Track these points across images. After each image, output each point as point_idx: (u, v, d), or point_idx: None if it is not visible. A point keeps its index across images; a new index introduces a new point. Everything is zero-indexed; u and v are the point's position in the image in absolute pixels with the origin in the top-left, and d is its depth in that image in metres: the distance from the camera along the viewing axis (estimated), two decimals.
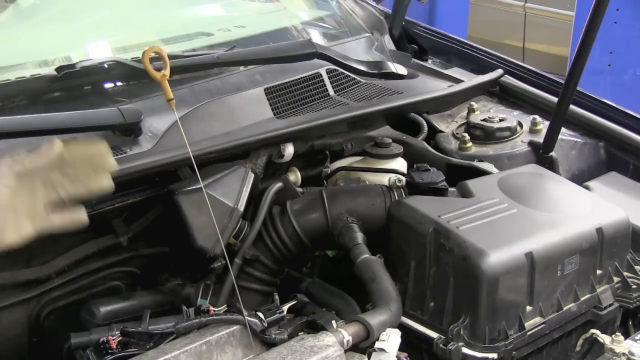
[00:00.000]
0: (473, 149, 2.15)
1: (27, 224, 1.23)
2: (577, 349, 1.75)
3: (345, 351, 1.40)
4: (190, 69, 1.92)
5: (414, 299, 1.65)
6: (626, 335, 1.70)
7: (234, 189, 1.69)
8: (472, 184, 1.81)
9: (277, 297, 1.68)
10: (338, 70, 2.12)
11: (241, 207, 1.68)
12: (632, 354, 1.60)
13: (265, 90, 1.94)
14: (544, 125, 2.18)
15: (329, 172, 1.98)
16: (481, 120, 2.21)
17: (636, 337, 1.66)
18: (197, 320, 1.42)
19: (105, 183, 1.30)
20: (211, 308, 1.48)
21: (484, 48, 2.56)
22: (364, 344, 1.44)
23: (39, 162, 1.24)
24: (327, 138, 2.00)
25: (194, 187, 1.62)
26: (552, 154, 2.10)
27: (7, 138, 1.52)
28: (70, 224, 1.28)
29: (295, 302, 1.59)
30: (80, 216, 1.28)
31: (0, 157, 1.23)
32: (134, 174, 1.56)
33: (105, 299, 1.63)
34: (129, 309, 1.62)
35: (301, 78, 2.02)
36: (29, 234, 1.23)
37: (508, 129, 2.19)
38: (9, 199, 1.20)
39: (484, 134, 2.18)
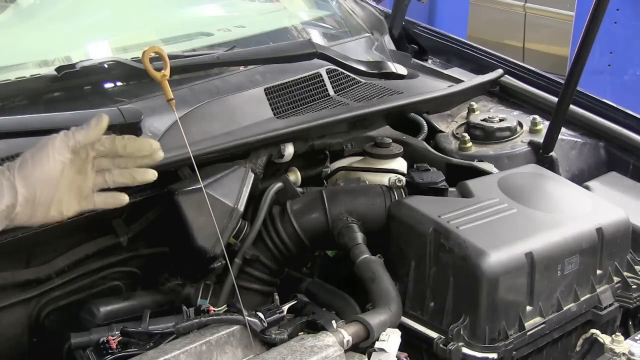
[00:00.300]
0: (473, 149, 2.15)
1: (74, 204, 1.35)
2: (577, 349, 1.75)
3: (345, 351, 1.40)
4: (190, 69, 1.92)
5: (414, 299, 1.65)
6: (626, 335, 1.70)
7: (234, 189, 1.69)
8: (472, 184, 1.81)
9: (277, 297, 1.68)
10: (338, 70, 2.12)
11: (241, 207, 1.68)
12: (632, 354, 1.60)
13: (265, 90, 1.94)
14: (544, 125, 2.18)
15: (329, 172, 1.98)
16: (481, 120, 2.21)
17: (636, 337, 1.66)
18: (197, 320, 1.42)
19: (150, 176, 1.39)
20: (211, 308, 1.48)
21: (484, 48, 2.56)
22: (364, 344, 1.44)
23: (90, 137, 1.32)
24: (327, 138, 2.00)
25: (194, 187, 1.62)
26: (552, 154, 2.10)
27: (7, 138, 1.52)
28: (112, 205, 1.40)
29: (295, 302, 1.59)
30: (121, 198, 1.40)
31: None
32: None
33: (105, 299, 1.63)
34: (129, 309, 1.62)
35: (301, 78, 2.02)
36: (74, 213, 1.36)
37: (508, 129, 2.19)
38: (60, 175, 1.31)
39: (484, 134, 2.18)
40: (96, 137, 1.33)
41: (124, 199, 1.40)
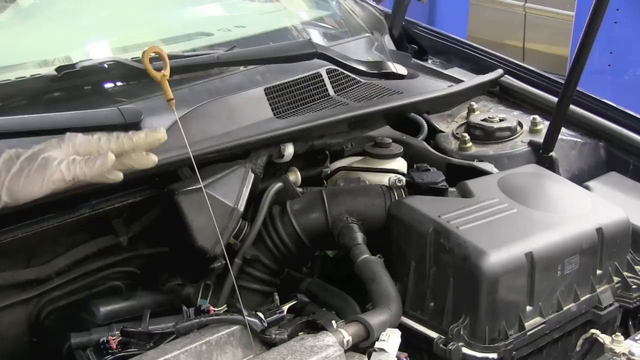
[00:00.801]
0: (473, 149, 2.15)
1: (62, 186, 1.36)
2: (577, 349, 1.75)
3: (345, 351, 1.40)
4: (190, 69, 1.92)
5: (414, 299, 1.65)
6: (626, 335, 1.70)
7: (234, 189, 1.69)
8: (472, 184, 1.81)
9: (277, 297, 1.68)
10: (338, 70, 2.12)
11: (241, 207, 1.68)
12: (632, 354, 1.60)
13: (265, 90, 1.94)
14: (544, 125, 2.18)
15: (329, 172, 1.98)
16: (481, 120, 2.21)
17: (636, 337, 1.66)
18: (197, 320, 1.42)
19: (150, 162, 1.43)
20: (211, 308, 1.48)
21: (484, 48, 2.56)
22: (364, 344, 1.44)
23: (89, 175, 1.35)
24: (327, 138, 2.00)
25: (194, 187, 1.62)
26: (552, 154, 2.10)
27: (7, 138, 1.52)
28: (106, 181, 1.40)
29: (295, 302, 1.59)
30: (116, 176, 1.40)
31: (60, 148, 1.33)
32: (134, 174, 1.56)
33: (105, 299, 1.63)
34: (129, 309, 1.62)
35: (301, 78, 2.02)
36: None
37: (508, 129, 2.19)
38: (50, 192, 1.33)
39: (484, 134, 2.18)
40: (97, 177, 1.36)
41: (119, 176, 1.41)
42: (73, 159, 1.33)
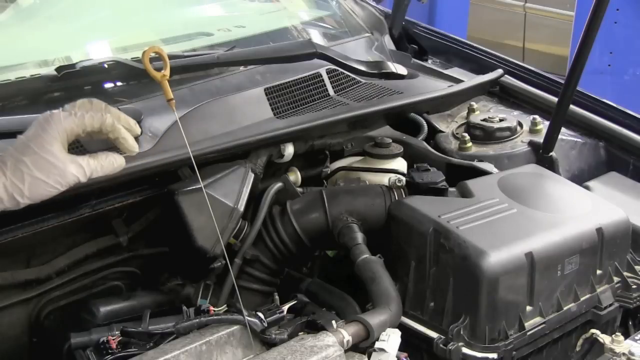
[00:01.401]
0: (473, 149, 2.15)
1: None
2: (577, 349, 1.75)
3: (345, 351, 1.40)
4: (190, 69, 1.92)
5: (414, 299, 1.65)
6: (626, 335, 1.70)
7: (234, 189, 1.69)
8: (472, 184, 1.81)
9: (277, 297, 1.68)
10: (338, 70, 2.12)
11: (241, 207, 1.68)
12: (632, 354, 1.60)
13: (265, 90, 1.94)
14: (544, 125, 2.18)
15: (329, 172, 1.98)
16: (481, 120, 2.21)
17: (636, 337, 1.65)
18: (197, 320, 1.42)
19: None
20: (211, 308, 1.48)
21: (484, 48, 2.56)
22: (364, 344, 1.44)
23: (102, 173, 1.41)
24: (327, 138, 2.00)
25: (194, 187, 1.62)
26: (552, 154, 2.10)
27: (7, 138, 1.52)
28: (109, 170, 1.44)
29: (295, 302, 1.59)
30: (119, 162, 1.45)
31: (53, 139, 1.35)
32: (134, 174, 1.56)
33: (105, 299, 1.63)
34: (129, 309, 1.62)
35: (301, 78, 2.02)
36: None
37: (508, 129, 2.19)
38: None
39: (484, 134, 2.18)
40: (108, 173, 1.43)
41: (121, 162, 1.45)
42: (87, 161, 1.38)
